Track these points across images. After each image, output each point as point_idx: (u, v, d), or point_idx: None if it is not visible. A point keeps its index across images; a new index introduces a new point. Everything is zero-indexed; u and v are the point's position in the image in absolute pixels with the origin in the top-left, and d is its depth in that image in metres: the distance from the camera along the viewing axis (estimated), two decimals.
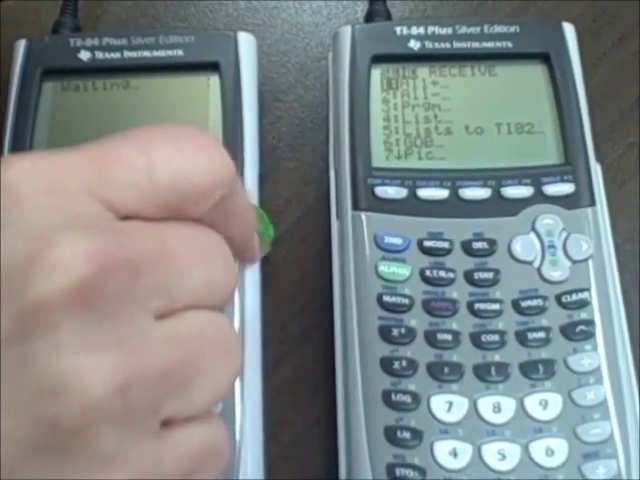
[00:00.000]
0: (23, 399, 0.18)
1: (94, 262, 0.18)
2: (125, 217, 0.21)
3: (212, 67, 0.36)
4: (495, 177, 0.34)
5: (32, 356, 0.18)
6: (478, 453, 0.30)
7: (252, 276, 0.33)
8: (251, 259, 0.31)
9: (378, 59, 0.36)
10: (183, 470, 0.21)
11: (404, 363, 0.31)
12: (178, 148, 0.21)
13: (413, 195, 0.34)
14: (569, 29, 0.37)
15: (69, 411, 0.18)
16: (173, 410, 0.20)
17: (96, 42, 0.36)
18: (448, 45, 0.37)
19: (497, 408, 0.31)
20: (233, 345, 0.22)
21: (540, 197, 0.34)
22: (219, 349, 0.22)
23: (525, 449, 0.30)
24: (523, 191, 0.34)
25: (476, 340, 0.32)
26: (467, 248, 0.33)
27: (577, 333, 0.32)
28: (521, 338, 0.32)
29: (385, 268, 0.32)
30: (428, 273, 0.32)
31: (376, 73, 0.36)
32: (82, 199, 0.20)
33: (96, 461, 0.18)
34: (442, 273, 0.32)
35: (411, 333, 0.32)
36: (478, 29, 0.37)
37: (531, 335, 0.32)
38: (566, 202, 0.34)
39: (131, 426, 0.19)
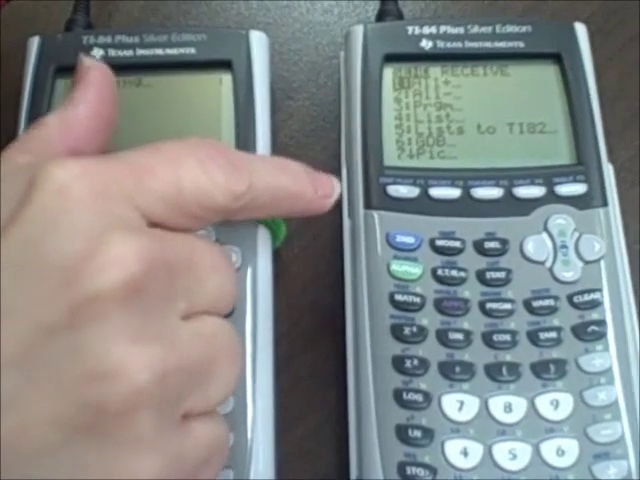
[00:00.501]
0: (72, 383, 0.19)
1: (145, 261, 0.20)
2: (152, 224, 0.22)
3: (224, 65, 0.36)
4: (507, 177, 0.34)
5: (84, 343, 0.19)
6: (489, 453, 0.30)
7: (264, 273, 0.33)
8: (323, 204, 0.29)
9: (390, 58, 0.36)
10: (199, 460, 0.22)
11: (415, 362, 0.31)
12: (202, 166, 0.23)
13: (425, 194, 0.34)
14: (581, 29, 0.37)
15: (116, 395, 0.19)
16: (192, 404, 0.22)
17: (109, 40, 0.36)
18: (460, 45, 0.37)
19: (508, 408, 0.31)
20: (238, 349, 0.24)
21: (552, 197, 0.34)
22: (228, 351, 0.23)
23: (536, 449, 0.30)
24: (535, 191, 0.34)
25: (487, 339, 0.32)
26: (479, 247, 0.33)
27: (589, 333, 0.32)
28: (533, 338, 0.32)
29: (397, 267, 0.33)
30: (440, 272, 0.32)
31: (388, 72, 0.36)
32: (123, 204, 0.21)
33: (133, 445, 0.20)
34: (454, 272, 0.33)
35: (423, 332, 0.32)
36: (490, 29, 0.37)
37: (543, 335, 0.32)
38: (578, 202, 0.34)
39: (164, 414, 0.20)
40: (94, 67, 0.27)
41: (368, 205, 0.34)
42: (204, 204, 0.23)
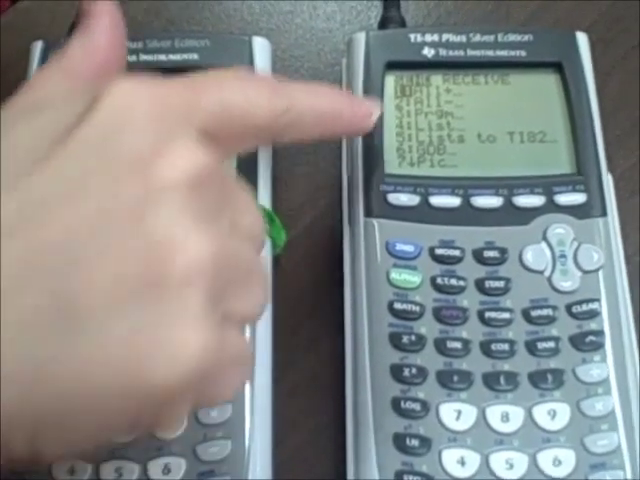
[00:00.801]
0: (137, 251, 0.21)
1: (206, 162, 0.22)
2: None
3: None
4: (507, 186, 0.34)
5: (151, 219, 0.21)
6: (486, 462, 0.30)
7: None
8: (363, 123, 0.31)
9: (392, 66, 0.36)
10: (225, 365, 0.23)
11: (414, 370, 0.31)
12: (245, 86, 0.26)
13: (425, 202, 0.34)
14: (582, 38, 0.37)
15: (176, 266, 0.21)
16: (228, 306, 0.23)
17: None
18: (462, 53, 0.37)
19: (505, 417, 0.31)
20: (266, 277, 0.26)
21: (552, 206, 0.34)
22: (261, 274, 0.25)
23: (533, 459, 0.30)
24: (535, 200, 0.34)
25: (486, 349, 0.32)
26: (478, 256, 0.33)
27: (586, 343, 0.32)
28: (531, 347, 0.32)
29: (396, 275, 0.33)
30: (439, 281, 0.33)
31: (390, 80, 0.37)
32: (180, 120, 0.23)
33: (183, 317, 0.21)
34: (453, 281, 0.33)
35: (421, 341, 0.32)
36: (492, 37, 0.37)
37: (541, 345, 0.32)
38: (577, 212, 0.34)
39: (211, 300, 0.22)
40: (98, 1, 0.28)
41: (368, 213, 0.34)
42: (248, 122, 0.25)
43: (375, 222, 0.34)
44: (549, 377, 0.31)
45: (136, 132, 0.22)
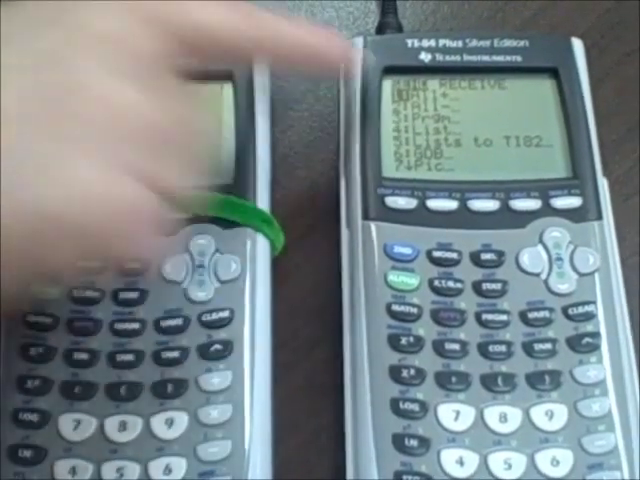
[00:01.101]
0: (52, 91, 0.23)
1: (148, 44, 0.26)
2: None
3: (226, 75, 0.36)
4: (503, 189, 0.35)
5: (74, 59, 0.24)
6: (484, 462, 0.30)
7: (262, 282, 0.33)
8: (339, 58, 0.33)
9: (389, 70, 0.37)
10: (121, 209, 0.24)
11: (412, 372, 0.31)
12: (214, 6, 0.28)
13: (423, 205, 0.34)
14: (578, 44, 0.38)
15: (83, 103, 0.24)
16: (132, 163, 0.24)
17: None
18: (458, 58, 0.37)
19: (503, 418, 0.31)
20: (196, 153, 0.27)
21: (548, 210, 0.34)
22: (186, 147, 0.27)
23: (531, 459, 0.30)
24: (531, 204, 0.34)
25: (483, 350, 0.32)
26: (475, 259, 0.33)
27: (583, 345, 0.32)
28: (528, 349, 0.32)
29: (394, 277, 0.33)
30: (437, 283, 0.33)
31: (387, 84, 0.37)
32: (140, 14, 0.26)
33: (81, 154, 0.24)
34: (451, 283, 0.33)
35: (419, 342, 0.32)
36: (488, 43, 0.37)
37: (537, 346, 0.32)
38: (573, 215, 0.34)
39: (111, 148, 0.24)
40: None
41: (366, 216, 0.34)
42: (207, 34, 0.27)
43: (373, 225, 0.34)
44: (546, 378, 0.32)
45: (103, 12, 0.25)
